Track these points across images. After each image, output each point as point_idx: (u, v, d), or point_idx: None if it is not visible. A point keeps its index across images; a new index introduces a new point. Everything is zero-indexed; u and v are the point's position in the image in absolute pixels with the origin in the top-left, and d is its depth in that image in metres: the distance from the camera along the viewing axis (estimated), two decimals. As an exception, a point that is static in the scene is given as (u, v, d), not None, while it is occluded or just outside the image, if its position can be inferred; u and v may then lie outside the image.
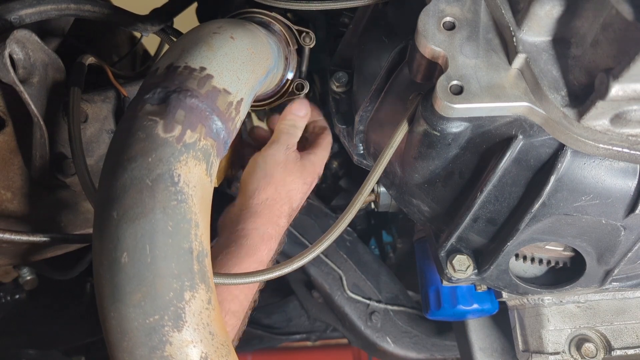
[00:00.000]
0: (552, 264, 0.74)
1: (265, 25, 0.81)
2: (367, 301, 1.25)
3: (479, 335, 1.00)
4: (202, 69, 0.55)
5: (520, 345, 0.83)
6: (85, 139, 0.77)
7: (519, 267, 0.75)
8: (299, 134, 0.84)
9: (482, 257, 0.70)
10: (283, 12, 0.84)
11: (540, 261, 0.74)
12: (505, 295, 0.83)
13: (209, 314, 0.47)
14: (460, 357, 1.07)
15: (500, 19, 0.56)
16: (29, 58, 0.69)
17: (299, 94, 0.84)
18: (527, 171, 0.60)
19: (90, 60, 0.78)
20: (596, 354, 0.77)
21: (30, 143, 0.72)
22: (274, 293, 1.66)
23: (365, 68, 0.80)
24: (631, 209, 0.59)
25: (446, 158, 0.63)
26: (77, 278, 1.25)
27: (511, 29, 0.54)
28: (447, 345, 1.27)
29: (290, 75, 0.84)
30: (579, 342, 0.78)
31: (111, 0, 0.98)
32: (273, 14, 0.82)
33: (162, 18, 0.84)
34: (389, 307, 1.25)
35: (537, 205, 0.59)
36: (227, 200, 0.85)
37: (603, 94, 0.47)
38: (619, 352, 0.78)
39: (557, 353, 0.78)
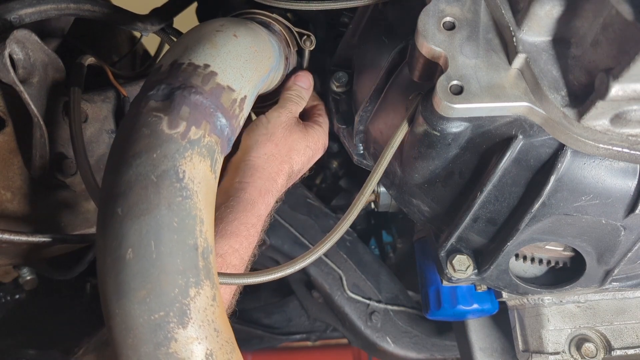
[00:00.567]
0: (552, 264, 0.74)
1: (266, 26, 0.81)
2: (367, 301, 1.25)
3: (479, 335, 1.00)
4: (206, 66, 0.55)
5: (520, 345, 0.83)
6: (85, 139, 0.77)
7: (519, 267, 0.75)
8: (303, 104, 0.83)
9: (482, 257, 0.69)
10: (283, 12, 0.84)
11: (540, 261, 0.74)
12: (505, 295, 0.83)
13: (214, 310, 0.47)
14: (460, 357, 1.07)
15: (500, 19, 0.56)
16: (29, 58, 0.69)
17: None
18: (527, 171, 0.60)
19: (90, 60, 0.78)
20: (596, 354, 0.77)
21: (30, 143, 0.72)
22: (274, 293, 1.66)
23: (365, 68, 0.80)
24: (631, 209, 0.59)
25: (446, 158, 0.63)
26: (77, 278, 1.25)
27: (511, 29, 0.54)
28: (447, 345, 1.27)
29: None
30: (579, 342, 0.78)
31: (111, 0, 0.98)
32: (274, 15, 0.82)
33: (162, 18, 0.84)
34: (389, 307, 1.25)
35: (537, 205, 0.59)
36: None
37: (603, 94, 0.47)
38: (619, 352, 0.78)
39: (557, 353, 0.78)
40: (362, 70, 0.81)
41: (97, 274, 0.48)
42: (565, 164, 0.57)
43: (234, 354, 0.49)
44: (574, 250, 0.71)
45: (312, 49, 0.85)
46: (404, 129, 0.63)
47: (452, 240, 0.69)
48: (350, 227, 0.67)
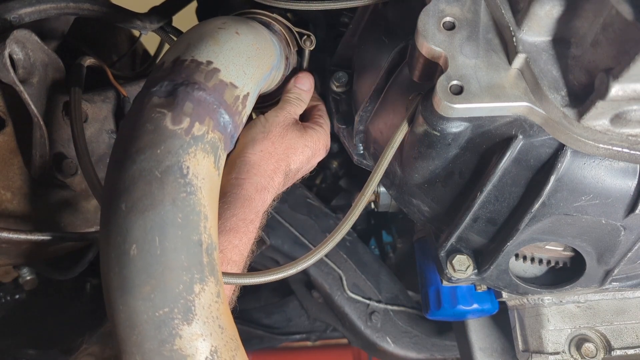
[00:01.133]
0: (552, 264, 0.74)
1: (266, 26, 0.81)
2: (367, 301, 1.25)
3: (479, 335, 1.00)
4: (209, 62, 0.55)
5: (520, 345, 0.83)
6: (86, 139, 0.77)
7: (519, 267, 0.75)
8: (303, 106, 0.83)
9: (482, 257, 0.69)
10: (283, 12, 0.84)
11: (540, 261, 0.74)
12: (505, 295, 0.83)
13: (218, 307, 0.47)
14: (460, 357, 1.07)
15: (500, 19, 0.56)
16: (29, 58, 0.69)
17: None
18: (527, 171, 0.60)
19: (89, 62, 0.78)
20: (596, 354, 0.77)
21: (30, 143, 0.72)
22: (274, 293, 1.66)
23: (365, 68, 0.80)
24: (631, 209, 0.59)
25: (446, 158, 0.63)
26: (77, 278, 1.25)
27: (511, 29, 0.54)
28: (447, 345, 1.27)
29: None
30: (579, 342, 0.78)
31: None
32: (274, 14, 0.82)
33: (161, 16, 0.84)
34: (389, 307, 1.25)
35: (537, 205, 0.59)
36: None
37: (603, 94, 0.47)
38: (618, 352, 0.78)
39: (557, 353, 0.78)
40: (362, 70, 0.81)
41: (100, 269, 0.47)
42: (565, 164, 0.57)
43: (239, 351, 0.49)
44: (574, 250, 0.71)
45: (312, 49, 0.85)
46: (404, 129, 0.63)
47: (452, 240, 0.69)
48: (351, 227, 0.67)
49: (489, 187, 0.61)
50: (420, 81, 0.62)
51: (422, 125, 0.59)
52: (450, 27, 0.57)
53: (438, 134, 0.59)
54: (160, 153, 0.48)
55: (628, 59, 0.44)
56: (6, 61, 0.63)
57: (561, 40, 0.54)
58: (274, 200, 0.76)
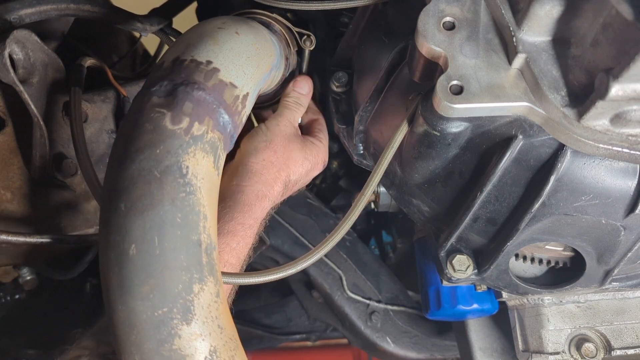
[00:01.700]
0: (552, 264, 0.74)
1: (266, 26, 0.81)
2: (367, 301, 1.25)
3: (479, 335, 1.00)
4: (209, 62, 0.55)
5: (520, 345, 0.83)
6: (85, 139, 0.77)
7: (519, 267, 0.75)
8: (302, 111, 0.83)
9: (482, 257, 0.69)
10: (283, 12, 0.84)
11: (540, 261, 0.74)
12: (505, 295, 0.83)
13: (218, 307, 0.47)
14: (460, 357, 1.07)
15: (500, 19, 0.56)
16: (29, 58, 0.69)
17: None
18: (527, 171, 0.60)
19: (90, 62, 0.78)
20: (596, 354, 0.77)
21: (30, 143, 0.72)
22: (274, 293, 1.66)
23: (365, 68, 0.80)
24: (631, 209, 0.59)
25: (446, 158, 0.63)
26: (77, 278, 1.25)
27: (511, 29, 0.54)
28: (447, 345, 1.27)
29: None
30: (578, 342, 0.78)
31: (111, 0, 0.98)
32: (274, 14, 0.82)
33: (161, 18, 0.84)
34: (389, 307, 1.25)
35: (537, 205, 0.59)
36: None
37: (603, 94, 0.47)
38: (618, 352, 0.78)
39: (557, 353, 0.78)
40: (362, 70, 0.81)
41: (99, 269, 0.47)
42: (565, 164, 0.57)
43: (238, 351, 0.48)
44: (574, 250, 0.71)
45: (312, 49, 0.85)
46: (404, 129, 0.63)
47: (452, 240, 0.69)
48: (351, 227, 0.68)
49: (489, 187, 0.61)
50: (420, 81, 0.62)
51: (422, 125, 0.59)
52: (450, 27, 0.57)
53: (438, 134, 0.59)
54: (160, 153, 0.48)
55: (628, 59, 0.44)
56: (6, 61, 0.63)
57: (561, 40, 0.54)
58: (272, 209, 0.77)
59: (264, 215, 0.74)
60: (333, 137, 0.89)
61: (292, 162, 0.78)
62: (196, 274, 0.46)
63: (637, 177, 0.58)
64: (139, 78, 0.91)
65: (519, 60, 0.54)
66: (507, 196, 0.62)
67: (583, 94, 0.51)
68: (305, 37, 0.84)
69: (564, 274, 0.73)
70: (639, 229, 0.63)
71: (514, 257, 0.72)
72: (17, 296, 1.43)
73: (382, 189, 0.96)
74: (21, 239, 0.66)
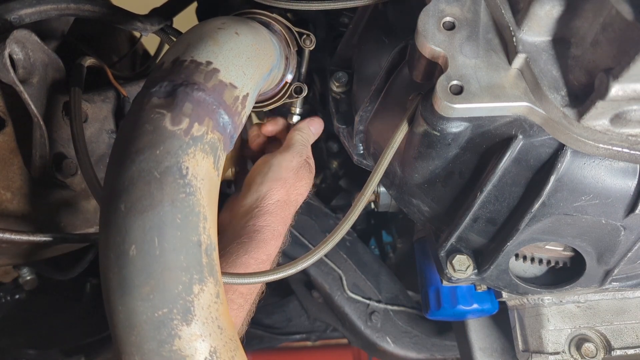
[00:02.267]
0: (552, 264, 0.74)
1: (266, 25, 0.81)
2: (367, 301, 1.25)
3: (479, 335, 1.00)
4: (209, 63, 0.55)
5: (520, 345, 0.83)
6: (85, 139, 0.77)
7: (519, 267, 0.75)
8: (309, 148, 0.86)
9: (482, 257, 0.69)
10: (283, 12, 0.84)
11: (540, 261, 0.74)
12: (505, 295, 0.83)
13: (218, 307, 0.47)
14: (460, 357, 1.07)
15: (500, 19, 0.56)
16: (29, 58, 0.69)
17: (297, 97, 0.85)
18: (527, 171, 0.60)
19: (90, 62, 0.78)
20: (596, 354, 0.77)
21: (30, 143, 0.72)
22: (274, 293, 1.66)
23: (365, 68, 0.80)
24: (631, 209, 0.59)
25: (446, 158, 0.63)
26: (77, 278, 1.25)
27: (511, 29, 0.54)
28: (447, 345, 1.27)
29: (289, 77, 0.84)
30: (579, 342, 0.78)
31: (111, 0, 0.98)
32: (274, 14, 0.82)
33: (161, 18, 0.84)
34: (389, 307, 1.25)
35: (537, 205, 0.59)
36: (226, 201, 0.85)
37: (603, 94, 0.47)
38: (619, 352, 0.78)
39: (557, 353, 0.78)
40: (362, 70, 0.81)
41: (99, 270, 0.47)
42: (565, 164, 0.57)
43: (238, 352, 0.49)
44: (574, 250, 0.71)
45: (312, 48, 0.85)
46: (404, 129, 0.63)
47: (452, 240, 0.69)
48: (350, 227, 0.68)
49: (489, 187, 0.61)
50: (420, 81, 0.62)
51: (422, 125, 0.59)
52: (450, 27, 0.57)
53: (438, 134, 0.59)
54: (160, 154, 0.48)
55: (628, 59, 0.44)
56: (6, 61, 0.63)
57: (561, 40, 0.54)
58: (283, 243, 0.79)
59: (277, 252, 0.77)
60: (333, 137, 0.89)
61: (301, 198, 0.82)
62: (196, 274, 0.46)
63: (637, 177, 0.58)
64: (139, 78, 0.91)
65: (519, 60, 0.54)
66: (507, 196, 0.62)
67: (583, 94, 0.51)
68: (305, 36, 0.84)
69: (564, 274, 0.73)
70: (639, 229, 0.63)
71: (514, 257, 0.72)
72: (17, 296, 1.43)
73: (382, 189, 0.96)
74: (24, 237, 0.66)
